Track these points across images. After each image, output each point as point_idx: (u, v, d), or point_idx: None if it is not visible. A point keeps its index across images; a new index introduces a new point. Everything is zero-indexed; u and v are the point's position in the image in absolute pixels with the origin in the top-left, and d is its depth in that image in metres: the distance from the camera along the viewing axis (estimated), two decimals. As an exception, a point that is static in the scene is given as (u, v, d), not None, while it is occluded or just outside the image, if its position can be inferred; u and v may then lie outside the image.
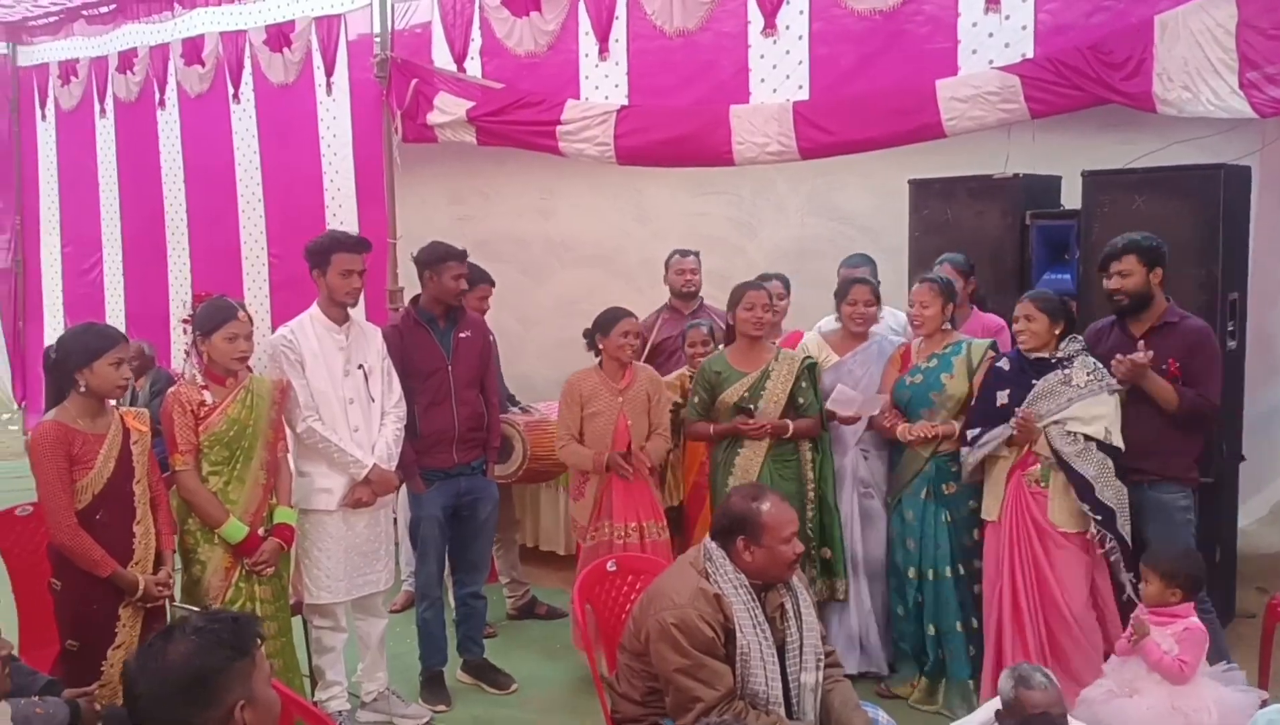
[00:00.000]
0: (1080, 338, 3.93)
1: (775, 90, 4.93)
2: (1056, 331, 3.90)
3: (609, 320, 4.41)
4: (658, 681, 2.96)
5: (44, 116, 8.25)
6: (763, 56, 4.94)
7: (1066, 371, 3.86)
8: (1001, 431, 3.92)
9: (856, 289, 4.44)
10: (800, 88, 4.87)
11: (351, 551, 4.10)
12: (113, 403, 3.50)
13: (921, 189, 5.17)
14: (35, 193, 8.40)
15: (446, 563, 4.57)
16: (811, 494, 4.35)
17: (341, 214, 6.44)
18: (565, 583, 5.67)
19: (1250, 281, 4.75)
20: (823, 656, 3.07)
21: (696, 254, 5.55)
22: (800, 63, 4.84)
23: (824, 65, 4.84)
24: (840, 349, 4.51)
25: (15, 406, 9.04)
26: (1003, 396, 3.94)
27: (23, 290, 8.64)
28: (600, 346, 4.44)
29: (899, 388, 4.29)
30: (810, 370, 4.35)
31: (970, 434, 4.04)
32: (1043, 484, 3.89)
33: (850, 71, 4.79)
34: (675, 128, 5.13)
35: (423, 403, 4.31)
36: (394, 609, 5.05)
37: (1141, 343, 3.84)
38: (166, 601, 3.44)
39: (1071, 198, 5.09)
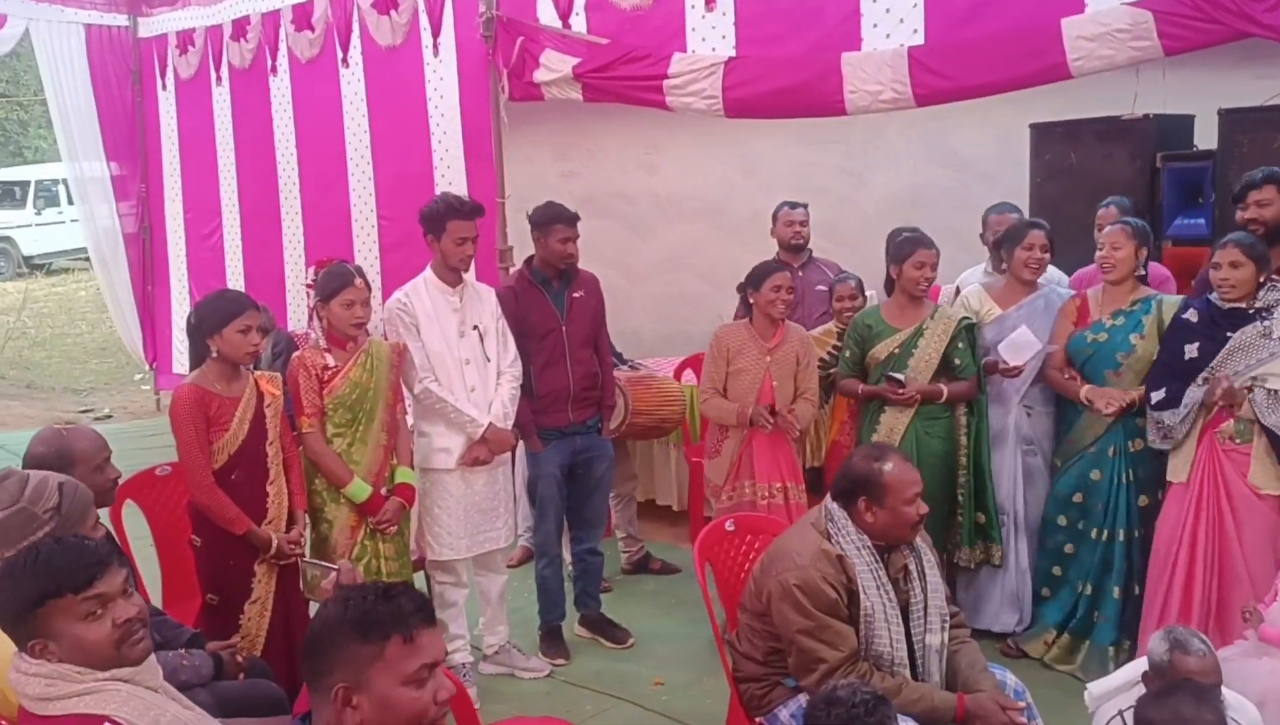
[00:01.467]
0: None
1: (889, 35, 4.76)
2: (1261, 280, 3.63)
3: (760, 274, 4.31)
4: (779, 642, 2.96)
5: (164, 86, 8.50)
6: (875, 1, 4.78)
7: (1266, 323, 3.61)
8: (1197, 395, 3.70)
9: (1034, 233, 4.24)
10: (915, 32, 4.69)
11: (471, 509, 4.18)
12: (248, 367, 3.62)
13: (1044, 133, 4.99)
14: (159, 161, 8.68)
15: (564, 520, 4.63)
16: (964, 458, 4.24)
17: (450, 175, 6.50)
18: (678, 538, 5.74)
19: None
20: (948, 618, 3.03)
21: (805, 206, 5.46)
22: (915, 5, 4.66)
23: (940, 7, 4.65)
24: (1004, 302, 4.33)
25: (146, 367, 9.45)
26: (1191, 350, 3.73)
27: (150, 255, 8.97)
28: (751, 301, 4.34)
29: (1077, 343, 4.08)
30: (969, 331, 4.19)
31: (1155, 396, 3.82)
32: (1238, 441, 3.67)
33: (968, 13, 4.59)
34: (785, 78, 5.00)
35: (538, 363, 4.35)
36: (510, 564, 5.15)
37: None
38: (298, 558, 3.58)
39: (1205, 138, 4.85)
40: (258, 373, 3.69)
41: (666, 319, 7.49)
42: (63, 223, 18.86)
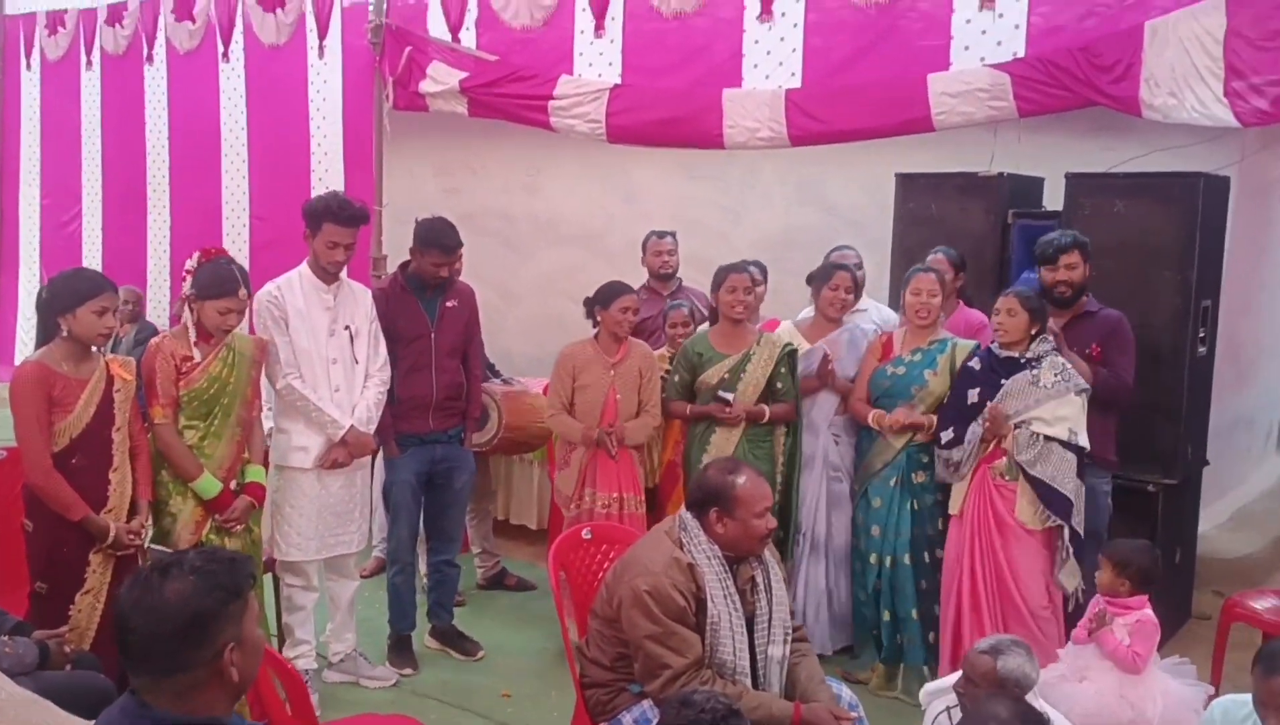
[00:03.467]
0: (1050, 338, 3.96)
1: (768, 76, 4.97)
2: (1033, 331, 3.94)
3: (610, 293, 4.42)
4: (627, 647, 2.99)
5: (29, 66, 8.17)
6: (757, 42, 4.97)
7: (1035, 372, 3.90)
8: (977, 430, 3.97)
9: (840, 275, 4.47)
10: (793, 75, 4.91)
11: (325, 511, 4.11)
12: (100, 349, 3.49)
13: (908, 183, 5.22)
14: (16, 143, 8.32)
15: (420, 529, 4.58)
16: (779, 477, 4.38)
17: (328, 178, 6.43)
18: (536, 556, 5.73)
19: (1224, 289, 4.85)
20: (790, 631, 3.12)
21: (673, 235, 5.55)
22: (794, 50, 4.88)
23: (818, 55, 4.89)
24: (811, 337, 4.54)
25: (-14, 357, 8.96)
26: (973, 395, 4.00)
27: (-2, 241, 8.57)
28: (598, 318, 4.44)
29: (878, 377, 4.32)
30: (790, 357, 4.37)
31: (944, 436, 4.07)
32: (1007, 478, 3.93)
33: (844, 62, 4.83)
34: (667, 109, 5.16)
35: (403, 368, 4.32)
36: (364, 574, 5.05)
37: (1052, 323, 4.00)
38: (140, 548, 3.45)
39: (1054, 200, 5.16)
40: (110, 356, 3.56)
41: (539, 341, 7.48)
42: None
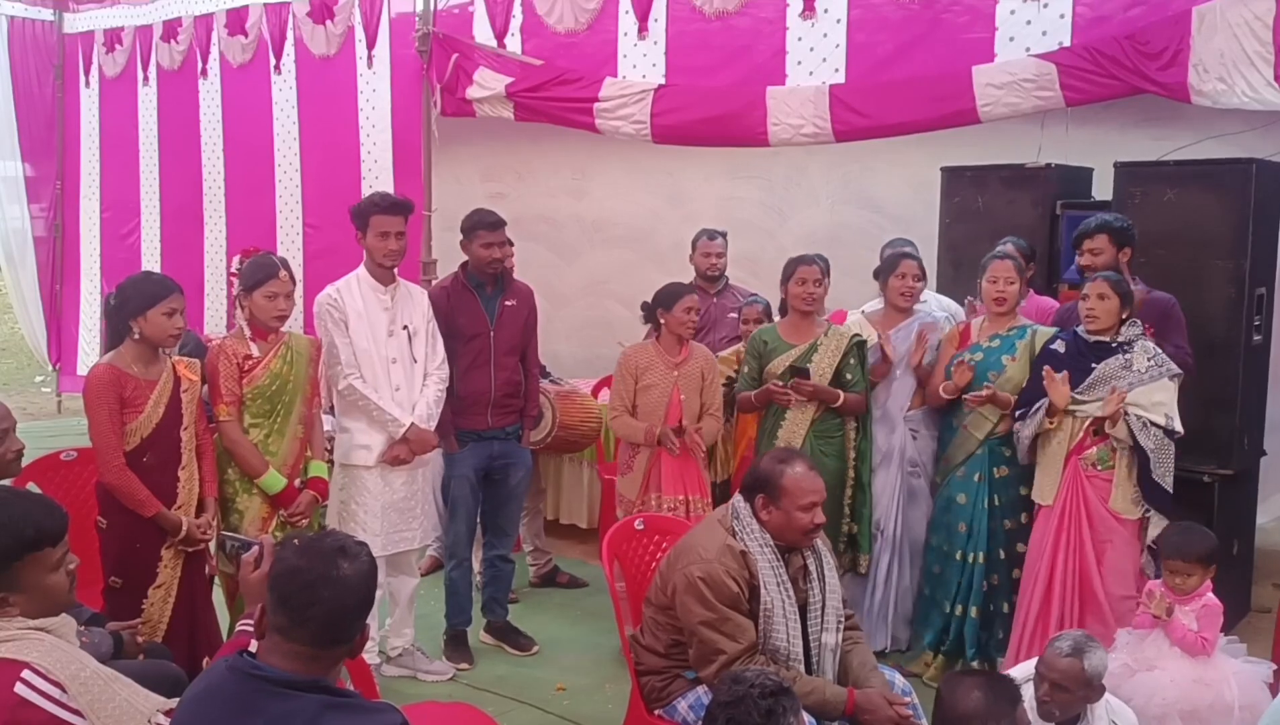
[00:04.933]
0: (1140, 322, 3.92)
1: (811, 73, 5.01)
2: (1124, 315, 3.89)
3: (673, 294, 4.44)
4: (682, 634, 3.05)
5: (88, 84, 8.41)
6: (800, 39, 5.02)
7: (1127, 356, 3.85)
8: (1044, 402, 3.94)
9: (905, 262, 4.48)
10: (837, 71, 4.95)
11: (388, 508, 4.21)
12: (166, 351, 3.62)
13: (954, 176, 5.24)
14: (76, 159, 8.57)
15: (476, 525, 4.67)
16: (851, 473, 4.41)
17: (378, 186, 6.55)
18: (587, 554, 5.81)
19: (1279, 277, 4.80)
20: (843, 618, 3.16)
21: (724, 235, 5.58)
22: (837, 46, 4.92)
23: (861, 51, 4.92)
24: (883, 327, 4.54)
25: (50, 368, 9.22)
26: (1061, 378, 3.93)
27: (60, 255, 8.81)
28: (661, 320, 4.46)
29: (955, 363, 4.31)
30: (859, 347, 4.38)
31: (1017, 414, 4.07)
32: (1100, 468, 3.89)
33: (887, 58, 4.86)
34: (711, 108, 5.22)
35: (462, 365, 4.41)
36: (420, 573, 5.16)
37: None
38: (216, 533, 3.58)
39: (1103, 190, 5.15)
40: (176, 358, 3.69)
41: (587, 342, 7.58)
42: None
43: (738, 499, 3.12)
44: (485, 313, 4.47)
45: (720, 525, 3.09)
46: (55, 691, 1.97)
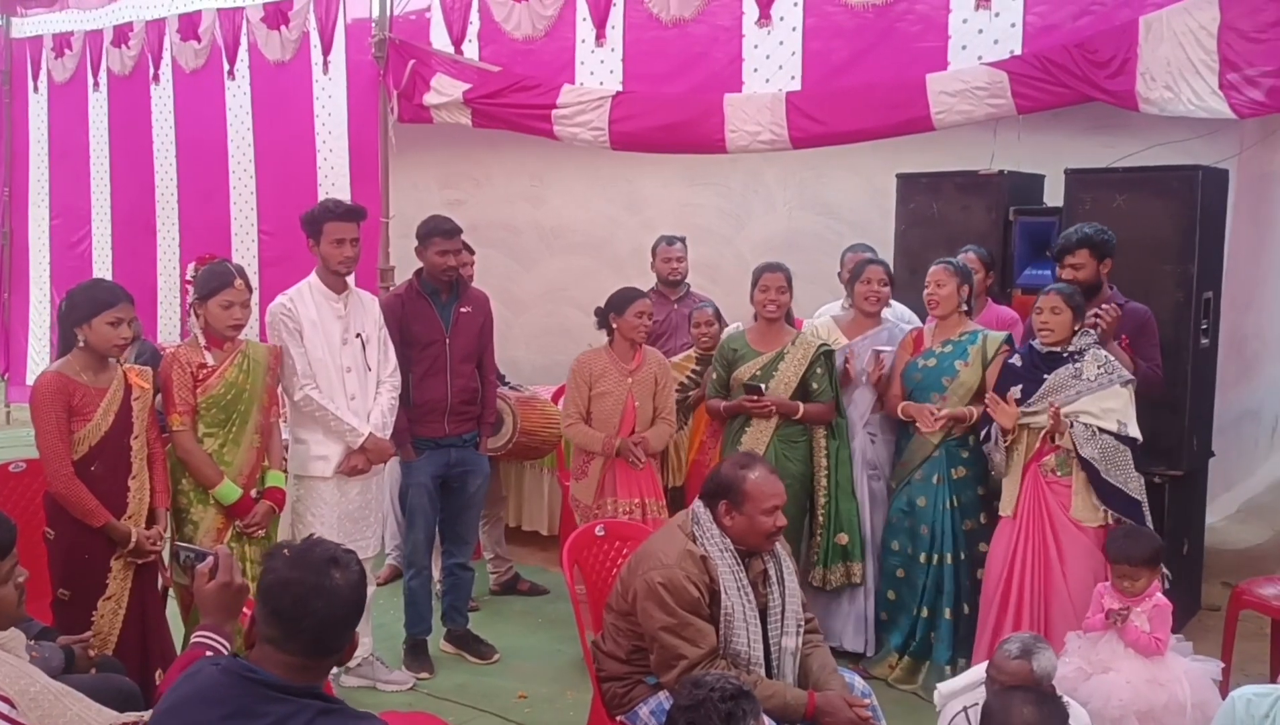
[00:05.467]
0: (1091, 332, 3.95)
1: (768, 80, 5.04)
2: (1076, 327, 3.93)
3: (625, 299, 4.45)
4: (643, 640, 3.04)
5: (36, 89, 8.26)
6: (756, 47, 5.05)
7: (1077, 365, 3.88)
8: (999, 426, 3.97)
9: (871, 268, 4.51)
10: (793, 79, 4.98)
11: (343, 518, 4.17)
12: (114, 359, 3.56)
13: (909, 183, 5.29)
14: (25, 165, 8.41)
15: (434, 533, 4.63)
16: (825, 479, 4.41)
17: (334, 193, 6.48)
18: (548, 562, 5.78)
19: (1225, 282, 4.90)
20: (803, 622, 3.17)
21: (683, 240, 5.60)
22: (793, 54, 4.95)
23: (816, 58, 4.96)
24: (850, 333, 4.57)
25: (-2, 378, 9.04)
26: (1015, 392, 3.98)
27: (8, 263, 8.64)
28: (613, 325, 4.46)
29: (910, 370, 4.35)
30: (827, 357, 4.39)
31: (984, 433, 4.11)
32: (1059, 474, 3.92)
33: (842, 65, 4.90)
34: (669, 114, 5.23)
35: (418, 372, 4.38)
36: (379, 582, 5.11)
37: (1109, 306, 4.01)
38: (170, 544, 3.52)
39: (1054, 196, 5.22)
40: (127, 366, 3.63)
41: (546, 350, 7.56)
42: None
43: (698, 504, 3.12)
44: (440, 320, 4.44)
45: (680, 530, 3.09)
46: (4, 707, 1.93)
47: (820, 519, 4.44)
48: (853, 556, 4.46)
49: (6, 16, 8.33)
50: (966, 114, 4.56)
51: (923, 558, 4.32)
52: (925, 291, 4.33)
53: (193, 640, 2.26)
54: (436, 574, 4.82)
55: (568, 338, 7.51)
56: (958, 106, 4.55)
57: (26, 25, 8.27)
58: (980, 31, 4.60)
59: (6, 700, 1.94)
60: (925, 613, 4.34)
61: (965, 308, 4.34)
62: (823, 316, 4.83)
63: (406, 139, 6.18)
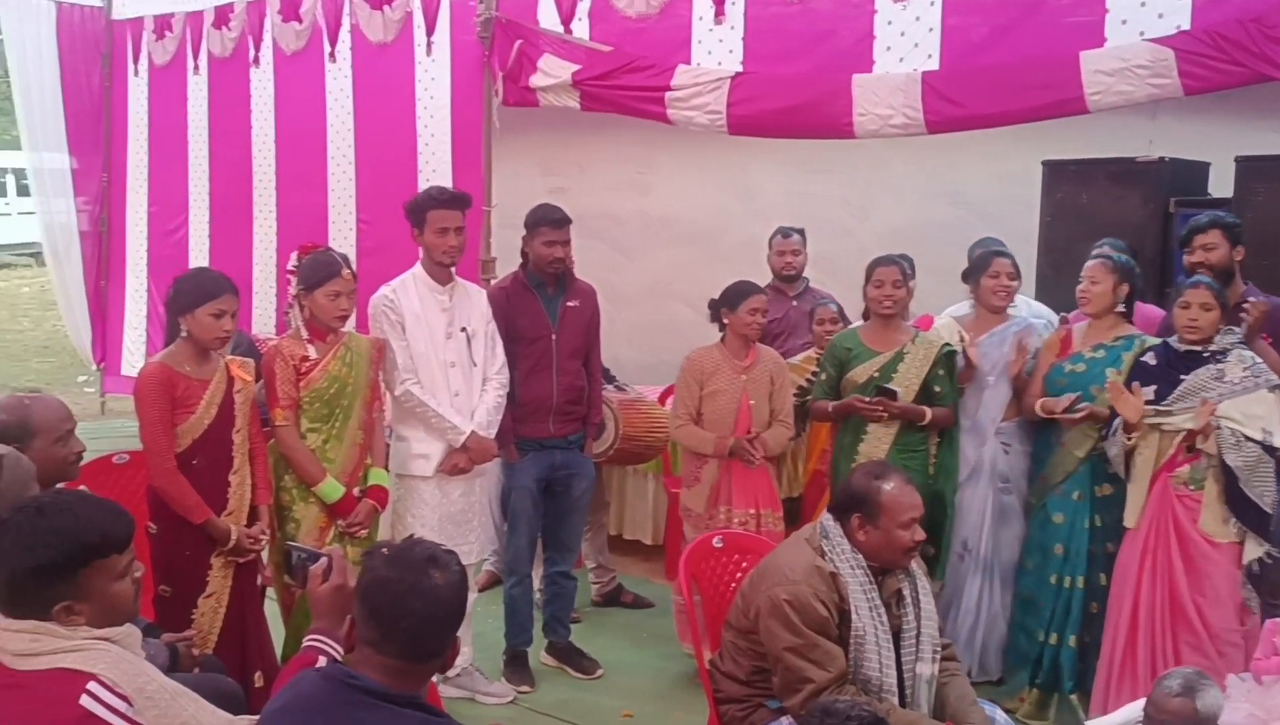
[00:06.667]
0: (1236, 330, 3.80)
1: (902, 59, 4.90)
2: (1221, 326, 3.78)
3: (738, 293, 4.39)
4: (765, 660, 3.00)
5: (136, 72, 8.52)
6: (890, 23, 4.92)
7: (1220, 365, 3.74)
8: (1120, 418, 3.85)
9: (999, 261, 4.38)
10: (930, 57, 4.84)
11: (444, 520, 4.20)
12: (215, 352, 3.64)
13: (1056, 171, 5.14)
14: (123, 151, 8.68)
15: (537, 539, 4.65)
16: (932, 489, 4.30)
17: (435, 179, 6.53)
18: (652, 573, 5.77)
19: None
20: (940, 648, 3.09)
21: (801, 232, 5.52)
22: (931, 30, 4.81)
23: (956, 35, 4.80)
24: (976, 332, 4.44)
25: (93, 367, 9.39)
26: (1148, 392, 3.84)
27: (106, 251, 8.95)
28: (725, 321, 4.41)
29: (1055, 374, 4.20)
30: (949, 358, 4.28)
31: (1108, 426, 3.97)
32: (1192, 487, 3.78)
33: (985, 42, 4.74)
34: (792, 96, 5.13)
35: (523, 369, 4.41)
36: (477, 588, 5.15)
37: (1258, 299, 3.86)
38: (279, 543, 3.59)
39: (1220, 186, 5.00)
40: (229, 357, 3.71)
41: (650, 347, 7.54)
42: (8, 215, 18.80)
43: (827, 517, 3.06)
44: (547, 314, 4.45)
45: (808, 544, 3.04)
46: (121, 705, 1.98)
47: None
48: (934, 572, 4.29)
49: (108, -1, 8.64)
50: (1125, 95, 4.36)
51: (1053, 579, 4.18)
52: (1078, 287, 4.17)
53: (305, 644, 2.29)
54: (537, 583, 4.84)
55: (674, 334, 7.46)
56: (1116, 87, 4.35)
57: (127, 7, 8.54)
58: (1142, 4, 4.39)
59: (124, 698, 1.98)
60: (1054, 640, 4.19)
61: (1123, 309, 4.15)
62: (944, 316, 4.70)
63: (507, 124, 6.21)
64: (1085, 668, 4.16)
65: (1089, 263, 4.18)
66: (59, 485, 2.97)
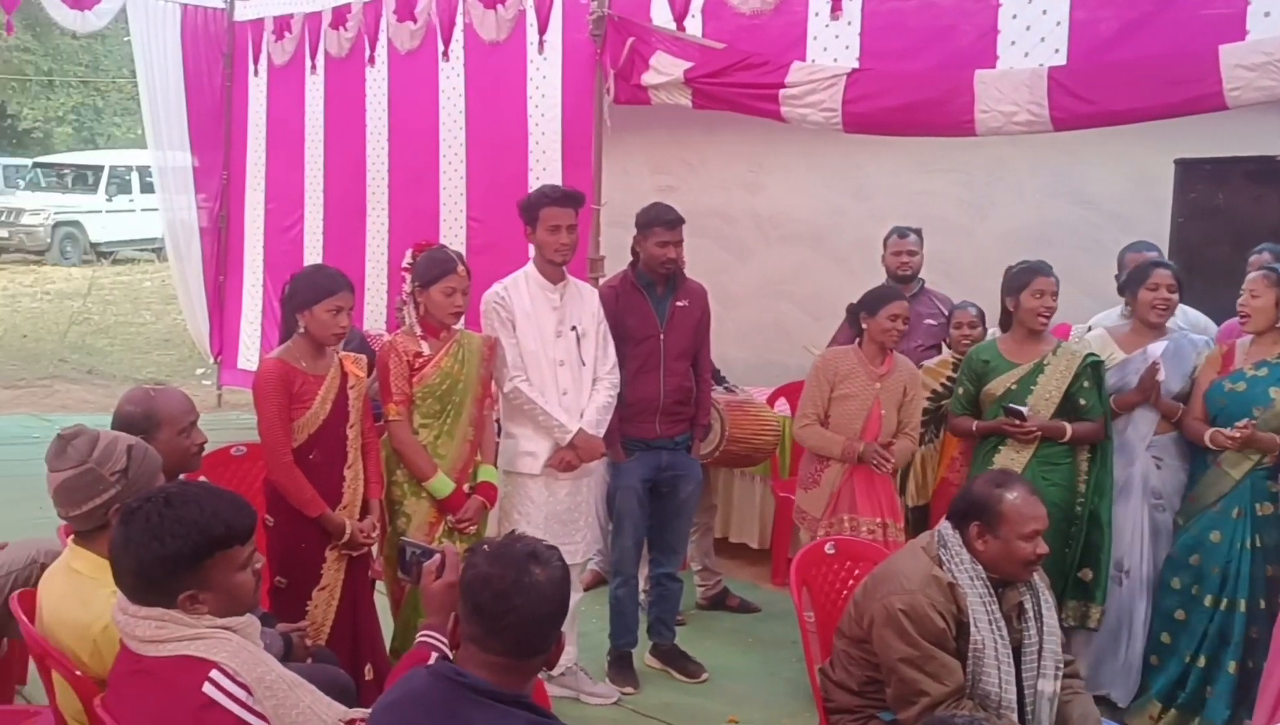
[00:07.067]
0: None
1: (1027, 54, 4.78)
2: None
3: (878, 299, 4.34)
4: (878, 670, 2.97)
5: (256, 73, 8.81)
6: (1015, 17, 4.80)
7: None
8: None
9: (1159, 272, 4.23)
10: (1057, 52, 4.71)
11: (551, 518, 4.25)
12: (331, 349, 3.74)
13: (1190, 170, 4.97)
14: (243, 149, 8.98)
15: (643, 540, 4.66)
16: (1079, 508, 4.18)
17: (545, 178, 6.62)
18: (758, 577, 5.75)
19: None
20: (1062, 664, 3.01)
21: (918, 232, 5.44)
22: (1058, 24, 4.68)
23: (1085, 28, 4.67)
24: (1129, 346, 4.30)
25: (211, 361, 9.74)
26: None
27: (224, 247, 9.28)
28: (864, 325, 4.36)
29: (1214, 392, 4.06)
30: (1094, 368, 4.15)
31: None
32: None
33: (1115, 36, 4.59)
34: (911, 93, 5.04)
35: (630, 369, 4.43)
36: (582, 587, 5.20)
37: None
38: (392, 538, 3.67)
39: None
40: (343, 353, 3.81)
41: (759, 348, 7.52)
42: (133, 211, 19.60)
43: (945, 526, 3.01)
44: (655, 314, 4.47)
45: (925, 553, 2.99)
46: (242, 694, 2.04)
47: (1066, 551, 4.20)
48: (1094, 597, 4.20)
49: (230, 0, 8.95)
50: (1267, 91, 4.17)
51: (1208, 600, 4.03)
52: (1238, 301, 4.02)
53: (418, 640, 2.34)
54: (643, 584, 4.86)
55: (784, 336, 7.44)
56: (1257, 82, 4.17)
57: (249, 8, 8.84)
58: (1288, -5, 4.22)
59: (245, 687, 2.05)
60: (1203, 662, 4.05)
61: None
62: (1097, 328, 4.54)
63: (617, 121, 6.24)
64: (1243, 696, 3.97)
65: (1251, 275, 4.03)
66: (181, 476, 3.08)
